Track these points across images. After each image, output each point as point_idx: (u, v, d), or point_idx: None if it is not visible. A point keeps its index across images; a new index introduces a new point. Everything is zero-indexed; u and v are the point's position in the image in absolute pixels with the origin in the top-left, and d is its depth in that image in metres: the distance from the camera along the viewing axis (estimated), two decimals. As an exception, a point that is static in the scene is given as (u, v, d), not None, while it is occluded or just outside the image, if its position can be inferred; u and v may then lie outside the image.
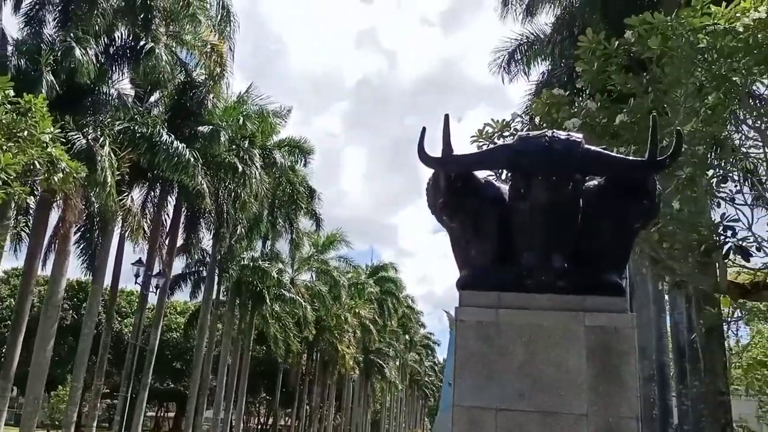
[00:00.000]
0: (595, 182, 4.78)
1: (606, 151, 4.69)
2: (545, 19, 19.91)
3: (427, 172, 5.14)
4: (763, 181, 10.03)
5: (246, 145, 29.54)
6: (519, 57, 20.21)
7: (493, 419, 4.46)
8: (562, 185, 4.34)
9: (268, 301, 33.86)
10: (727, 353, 12.88)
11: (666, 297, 16.38)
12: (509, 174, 4.83)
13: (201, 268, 33.20)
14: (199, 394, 31.35)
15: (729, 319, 12.66)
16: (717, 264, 8.96)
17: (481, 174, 5.09)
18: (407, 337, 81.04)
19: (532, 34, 20.12)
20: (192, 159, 24.07)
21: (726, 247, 8.04)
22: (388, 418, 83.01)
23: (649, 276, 18.46)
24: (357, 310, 49.85)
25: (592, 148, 4.56)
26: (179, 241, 29.03)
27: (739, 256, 7.95)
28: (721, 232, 8.30)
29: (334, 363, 50.87)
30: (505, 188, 4.90)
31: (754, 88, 8.34)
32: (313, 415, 52.77)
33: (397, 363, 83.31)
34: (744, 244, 7.98)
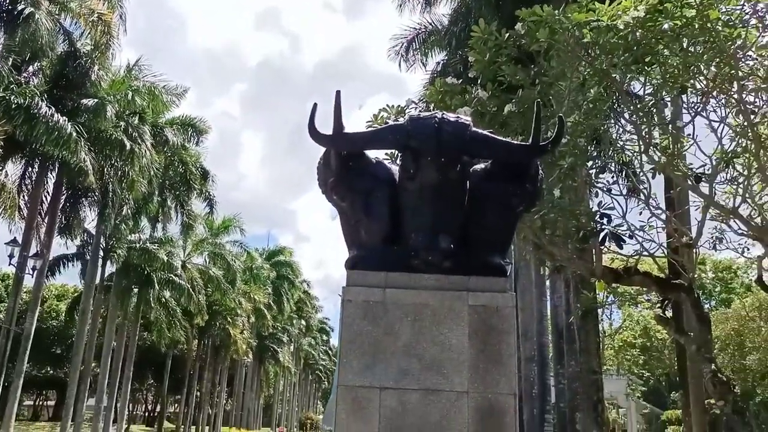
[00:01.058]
0: (482, 166, 4.89)
1: (493, 135, 4.80)
2: (443, 11, 20.29)
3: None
4: (638, 173, 10.74)
5: (135, 122, 28.15)
6: (417, 46, 20.48)
7: (377, 398, 4.49)
8: (450, 167, 4.40)
9: (156, 285, 32.53)
10: (601, 335, 13.78)
11: (547, 282, 17.26)
12: (399, 154, 4.84)
13: (86, 250, 31.34)
14: (81, 381, 29.72)
15: (603, 303, 13.54)
16: (593, 250, 9.50)
17: (373, 154, 5.09)
18: (303, 322, 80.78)
19: (431, 24, 20.44)
20: (74, 133, 22.60)
21: (602, 234, 8.53)
22: (281, 402, 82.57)
23: (532, 261, 19.38)
24: (251, 295, 49.01)
25: (480, 131, 4.66)
26: (60, 221, 27.24)
27: (614, 243, 8.46)
28: (598, 219, 8.82)
29: (226, 348, 49.82)
30: (396, 169, 4.91)
31: (633, 84, 8.88)
32: (203, 400, 51.50)
33: (292, 348, 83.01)
34: (618, 231, 8.52)
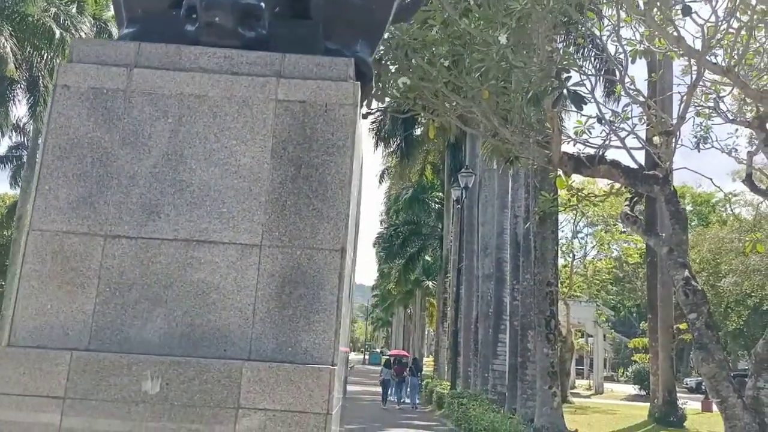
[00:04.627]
0: None
1: None
2: None
3: None
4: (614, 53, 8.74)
5: (73, 11, 25.27)
6: None
7: (98, 253, 2.55)
8: None
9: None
10: (559, 245, 12.01)
11: (509, 192, 15.43)
12: None
13: (21, 151, 28.89)
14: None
15: (567, 205, 11.74)
16: (552, 131, 7.56)
17: None
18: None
19: None
20: (-13, 11, 19.83)
21: (558, 92, 6.55)
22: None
23: (496, 174, 17.50)
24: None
25: None
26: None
27: (572, 105, 6.49)
28: (554, 77, 6.83)
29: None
30: None
31: None
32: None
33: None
34: (577, 91, 6.52)
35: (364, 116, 7.64)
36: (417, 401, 21.88)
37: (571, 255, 29.19)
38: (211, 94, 2.69)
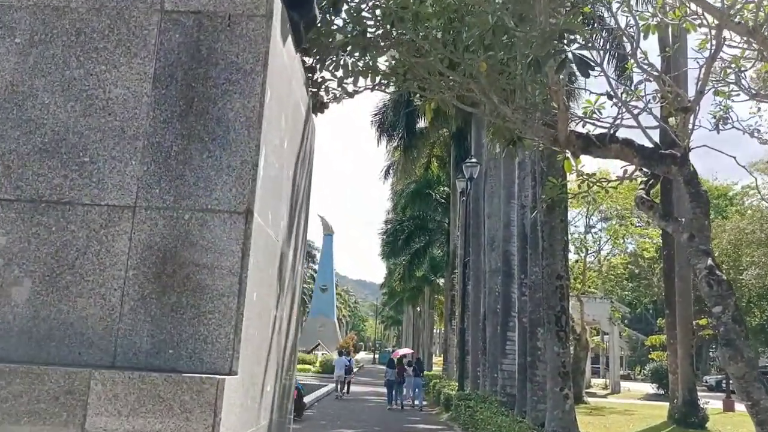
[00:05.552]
0: None
1: None
2: None
3: None
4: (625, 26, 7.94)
5: None
6: None
7: None
8: None
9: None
10: (569, 237, 11.21)
11: (516, 181, 14.64)
12: None
13: None
14: None
15: (575, 191, 10.97)
16: (554, 93, 6.78)
17: None
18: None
19: None
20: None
21: (561, 57, 5.78)
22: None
23: (502, 164, 16.71)
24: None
25: None
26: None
27: (577, 71, 5.72)
28: (556, 40, 6.08)
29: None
30: None
31: None
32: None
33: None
34: (582, 55, 5.76)
35: (350, 95, 6.92)
36: (422, 402, 21.24)
37: (584, 250, 28.29)
38: (73, 5, 1.98)
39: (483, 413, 12.11)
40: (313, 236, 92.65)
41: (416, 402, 20.87)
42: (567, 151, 8.44)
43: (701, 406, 16.75)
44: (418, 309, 52.35)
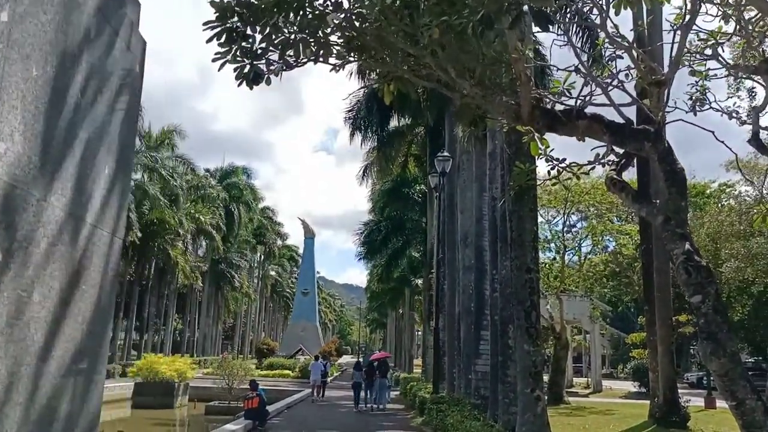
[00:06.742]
0: None
1: None
2: None
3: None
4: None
5: None
6: None
7: None
8: None
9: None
10: (537, 226, 10.51)
11: (487, 173, 13.96)
12: None
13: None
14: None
15: (544, 178, 10.29)
16: (514, 61, 6.07)
17: None
18: (265, 248, 77.70)
19: None
20: None
21: (515, 11, 5.08)
22: (244, 328, 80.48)
23: (474, 157, 16.02)
24: (196, 215, 45.40)
25: None
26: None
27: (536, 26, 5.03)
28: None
29: (172, 272, 46.59)
30: None
31: None
32: (148, 326, 48.58)
33: (255, 274, 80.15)
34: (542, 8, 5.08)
35: (291, 67, 6.18)
36: (386, 401, 21.29)
37: (563, 248, 27.68)
38: None
39: (453, 417, 11.41)
40: (294, 240, 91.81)
41: (378, 405, 20.76)
42: (531, 129, 7.71)
43: (682, 404, 16.17)
44: (400, 311, 51.64)
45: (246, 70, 5.33)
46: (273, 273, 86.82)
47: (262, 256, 79.39)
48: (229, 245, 57.38)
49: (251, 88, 5.23)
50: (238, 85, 5.33)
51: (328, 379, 28.99)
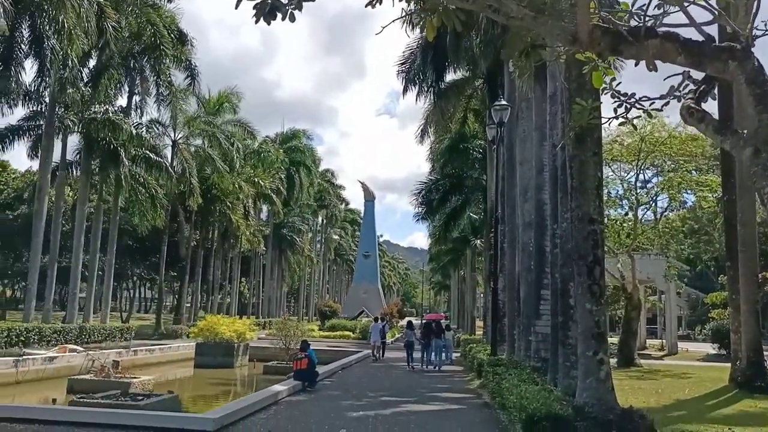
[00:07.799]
0: None
1: None
2: None
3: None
4: None
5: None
6: None
7: None
8: None
9: (125, 162, 28.93)
10: (602, 172, 9.32)
11: (547, 118, 12.75)
12: None
13: (39, 122, 27.75)
14: (49, 267, 27.21)
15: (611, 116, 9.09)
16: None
17: None
18: (326, 212, 77.97)
19: None
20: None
21: None
22: (308, 290, 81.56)
23: (534, 104, 14.78)
24: (255, 179, 45.53)
25: None
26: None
27: None
28: None
29: (235, 236, 47.15)
30: None
31: None
32: (213, 288, 49.58)
33: (318, 238, 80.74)
34: None
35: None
36: (441, 362, 21.17)
37: (636, 203, 25.86)
38: None
39: (510, 381, 10.58)
40: (357, 203, 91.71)
41: (434, 366, 20.75)
42: (591, 57, 6.64)
43: (768, 368, 14.74)
44: (461, 272, 50.73)
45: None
46: (335, 237, 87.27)
47: (324, 220, 79.76)
48: (290, 209, 57.59)
49: (269, 23, 4.55)
50: (256, 22, 4.64)
51: (388, 340, 28.81)
